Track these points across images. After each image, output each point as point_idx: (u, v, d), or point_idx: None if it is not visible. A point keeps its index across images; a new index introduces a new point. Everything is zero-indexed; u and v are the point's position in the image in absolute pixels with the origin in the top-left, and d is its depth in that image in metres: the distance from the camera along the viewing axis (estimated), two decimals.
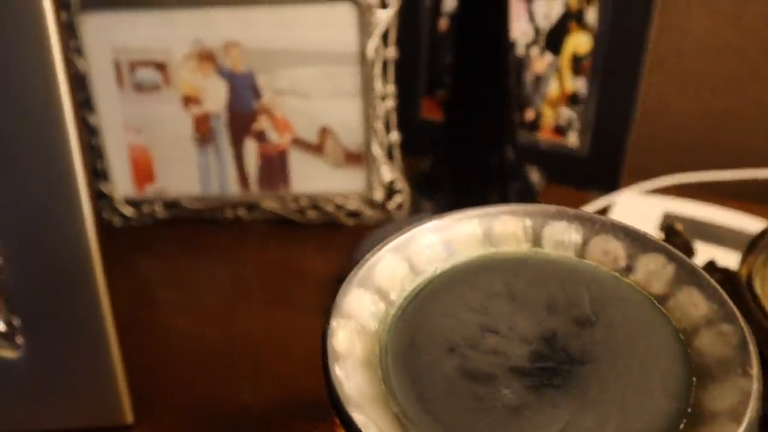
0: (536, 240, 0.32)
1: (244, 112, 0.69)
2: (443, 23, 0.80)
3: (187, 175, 0.71)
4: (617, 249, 0.30)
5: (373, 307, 0.28)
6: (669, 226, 0.46)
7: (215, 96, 0.68)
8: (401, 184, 0.74)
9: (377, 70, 0.69)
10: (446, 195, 0.73)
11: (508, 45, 0.66)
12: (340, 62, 0.69)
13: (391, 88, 0.70)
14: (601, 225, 0.31)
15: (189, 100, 0.69)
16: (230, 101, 0.69)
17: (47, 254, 0.47)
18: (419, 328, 0.27)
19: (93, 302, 0.48)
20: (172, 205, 0.72)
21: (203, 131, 0.70)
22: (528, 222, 0.32)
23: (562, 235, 0.31)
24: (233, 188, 0.74)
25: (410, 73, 0.79)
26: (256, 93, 0.69)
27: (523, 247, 0.31)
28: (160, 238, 0.71)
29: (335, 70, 0.69)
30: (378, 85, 0.70)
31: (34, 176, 0.45)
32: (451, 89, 0.70)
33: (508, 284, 0.29)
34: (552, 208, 0.32)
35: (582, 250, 0.31)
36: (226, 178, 0.74)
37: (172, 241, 0.71)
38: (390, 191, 0.74)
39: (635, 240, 0.30)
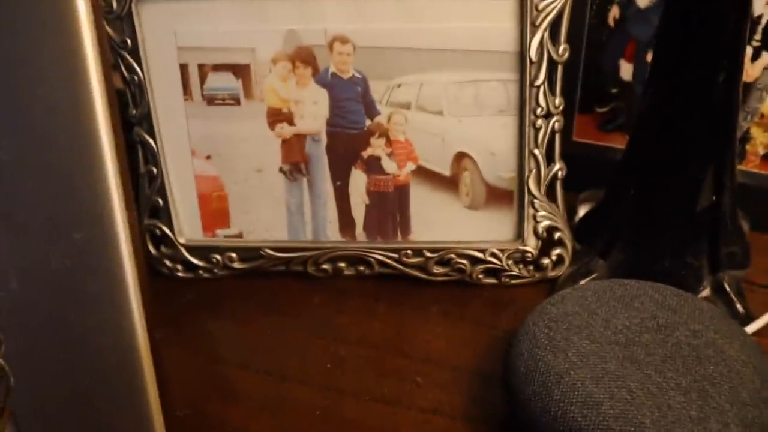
0: None
1: (351, 133, 0.53)
2: (614, 13, 0.59)
3: (272, 216, 0.56)
4: None
5: None
6: None
7: (313, 112, 0.53)
8: (564, 233, 0.54)
9: (541, 76, 0.49)
10: (624, 252, 0.52)
11: (744, 39, 0.45)
12: (488, 65, 0.50)
13: (557, 102, 0.50)
14: None
15: (277, 117, 0.53)
16: (333, 119, 0.53)
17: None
18: None
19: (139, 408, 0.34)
20: (251, 254, 0.57)
21: (295, 159, 0.54)
22: None
23: None
24: (332, 235, 0.56)
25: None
26: (370, 108, 0.52)
27: None
28: (236, 296, 0.57)
29: (481, 75, 0.50)
30: (540, 98, 0.50)
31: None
32: (648, 103, 0.49)
33: None
34: None
35: None
36: (324, 221, 0.56)
37: (251, 302, 0.57)
38: (548, 242, 0.54)
39: None
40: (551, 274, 0.55)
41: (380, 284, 0.57)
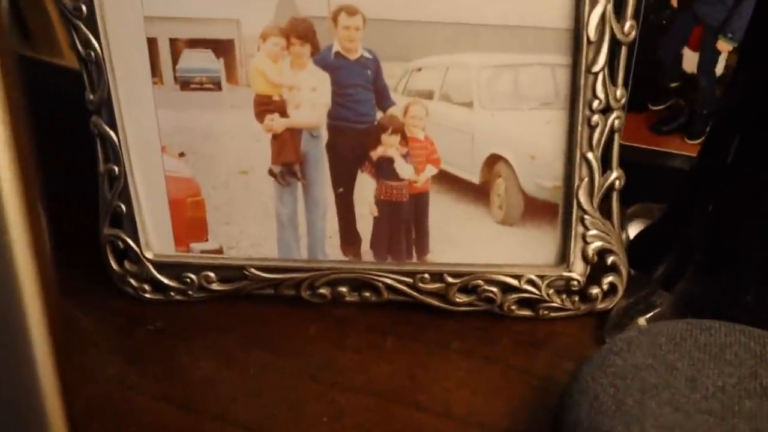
0: None
1: (358, 128, 0.44)
2: None
3: (258, 228, 0.47)
4: None
5: None
6: None
7: (311, 100, 0.43)
8: (620, 258, 0.43)
9: (600, 60, 0.39)
10: (694, 282, 0.42)
11: None
12: (532, 45, 0.41)
13: (619, 94, 0.40)
14: None
15: (267, 107, 0.44)
16: (336, 110, 0.44)
17: None
18: None
19: None
20: (233, 274, 0.48)
21: (288, 159, 0.45)
22: None
23: None
24: (332, 253, 0.47)
25: None
26: (382, 96, 0.43)
27: None
28: (213, 325, 0.48)
29: (523, 58, 0.40)
30: (598, 88, 0.39)
31: None
32: (731, 101, 0.39)
33: None
34: None
35: None
36: (322, 235, 0.47)
37: (232, 333, 0.48)
38: (598, 267, 0.44)
39: None
40: (600, 306, 0.45)
41: (390, 314, 0.49)
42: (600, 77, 0.40)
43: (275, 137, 0.44)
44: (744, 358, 0.34)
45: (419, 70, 0.42)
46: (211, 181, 0.46)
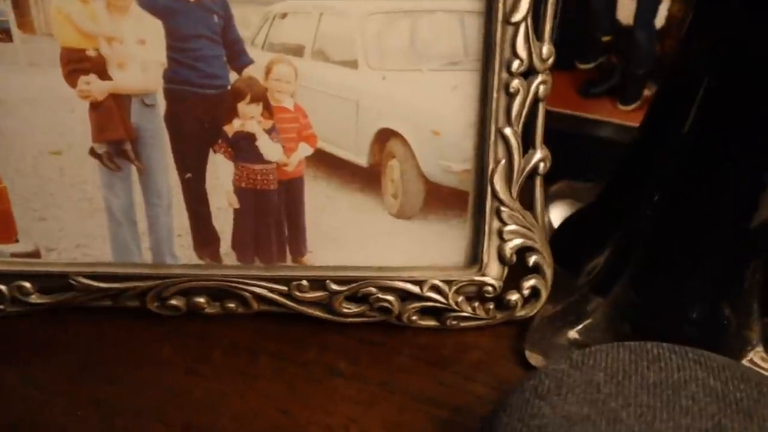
0: None
1: (206, 94, 0.33)
2: None
3: (84, 224, 0.36)
4: None
5: None
6: None
7: (140, 56, 0.33)
8: (544, 258, 0.35)
9: (522, 7, 0.29)
10: (633, 288, 0.34)
11: None
12: None
13: (546, 52, 0.31)
14: None
15: (79, 65, 0.33)
16: (175, 69, 0.33)
17: None
18: None
19: None
20: (56, 283, 0.38)
21: (116, 135, 0.35)
22: None
23: None
24: (183, 255, 0.36)
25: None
26: (235, 52, 0.31)
27: None
28: (35, 348, 0.38)
29: (423, 4, 0.30)
30: (519, 43, 0.30)
31: None
32: (685, 57, 0.30)
33: None
34: None
35: None
36: (169, 234, 0.36)
37: (59, 357, 0.37)
38: (517, 268, 0.35)
39: None
40: (520, 313, 0.36)
41: (261, 327, 0.40)
42: (522, 29, 0.30)
43: (95, 106, 0.33)
44: (704, 404, 0.26)
45: (284, 16, 0.31)
46: (13, 163, 0.34)
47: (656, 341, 0.34)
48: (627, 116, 0.44)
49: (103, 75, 0.32)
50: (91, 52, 0.32)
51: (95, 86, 0.32)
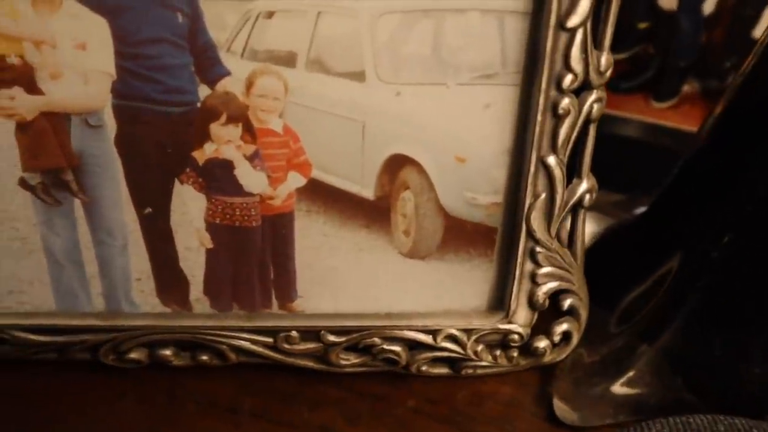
0: None
1: (169, 112, 0.23)
2: None
3: (18, 268, 0.29)
4: None
5: None
6: None
7: (81, 65, 0.25)
8: (581, 301, 0.29)
9: (580, 9, 0.23)
10: (683, 338, 0.29)
11: None
12: None
13: (604, 64, 0.24)
14: None
15: (0, 75, 0.23)
16: (127, 81, 0.26)
17: None
18: None
19: None
20: None
21: (52, 162, 0.27)
22: None
23: None
24: (144, 302, 0.29)
25: None
26: (206, 60, 0.24)
27: None
28: None
29: (452, 2, 0.23)
30: (573, 54, 0.24)
31: None
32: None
33: None
34: None
35: None
36: (125, 279, 0.29)
37: None
38: (549, 312, 0.30)
39: None
40: (547, 359, 0.31)
41: (242, 379, 0.33)
42: (578, 36, 0.24)
43: (23, 128, 0.25)
44: None
45: (270, 16, 0.24)
46: None
47: (713, 398, 0.29)
48: (661, 115, 0.38)
49: (32, 88, 0.25)
50: (13, 59, 0.24)
51: (21, 102, 0.25)
